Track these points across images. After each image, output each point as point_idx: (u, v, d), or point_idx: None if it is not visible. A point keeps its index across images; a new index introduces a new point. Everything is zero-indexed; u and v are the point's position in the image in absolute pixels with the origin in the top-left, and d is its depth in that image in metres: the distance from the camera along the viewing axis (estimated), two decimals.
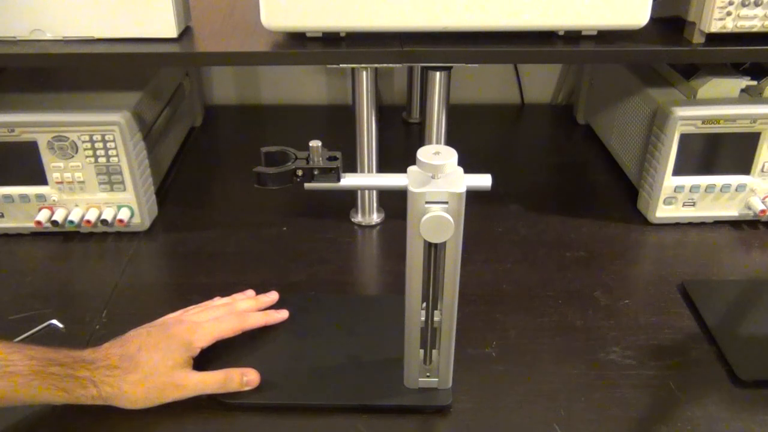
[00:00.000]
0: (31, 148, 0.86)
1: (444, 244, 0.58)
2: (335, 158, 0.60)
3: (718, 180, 0.91)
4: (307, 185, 0.61)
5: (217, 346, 0.70)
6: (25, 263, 0.87)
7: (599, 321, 0.77)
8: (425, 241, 0.57)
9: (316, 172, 0.60)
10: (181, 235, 0.93)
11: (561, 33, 0.82)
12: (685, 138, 0.88)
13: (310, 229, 0.94)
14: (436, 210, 0.55)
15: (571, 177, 1.09)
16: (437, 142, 0.90)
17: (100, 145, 0.86)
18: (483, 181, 0.59)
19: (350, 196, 0.97)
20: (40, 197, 0.89)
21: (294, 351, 0.72)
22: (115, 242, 0.91)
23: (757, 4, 0.78)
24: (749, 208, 0.93)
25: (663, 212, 0.94)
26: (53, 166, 0.87)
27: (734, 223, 0.95)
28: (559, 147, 1.21)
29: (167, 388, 0.63)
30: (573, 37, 0.82)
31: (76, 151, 0.87)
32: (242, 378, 0.66)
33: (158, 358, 0.64)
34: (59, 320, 0.76)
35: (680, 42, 0.83)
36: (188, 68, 1.16)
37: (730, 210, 0.94)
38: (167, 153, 1.06)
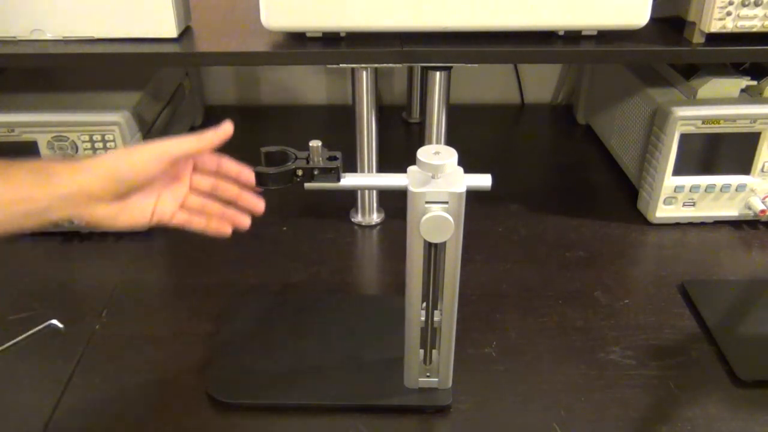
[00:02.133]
0: (31, 148, 0.86)
1: (444, 244, 0.58)
2: (335, 158, 0.60)
3: (718, 180, 0.91)
4: (307, 185, 0.61)
5: (215, 339, 0.70)
6: (25, 263, 0.87)
7: (599, 321, 0.77)
8: (425, 241, 0.57)
9: (316, 172, 0.60)
10: (181, 235, 0.92)
11: (561, 33, 0.82)
12: (685, 138, 0.88)
13: (310, 229, 0.94)
14: (436, 210, 0.55)
15: (571, 177, 1.09)
16: (437, 142, 0.90)
17: (100, 145, 0.86)
18: (483, 181, 0.59)
19: (350, 196, 0.97)
20: None
21: (294, 351, 0.72)
22: (115, 242, 0.91)
23: (757, 4, 0.78)
24: (749, 208, 0.93)
25: (663, 212, 0.94)
26: None
27: (734, 223, 0.95)
28: (559, 147, 1.21)
29: (120, 154, 0.58)
30: (573, 37, 0.82)
31: (76, 151, 0.87)
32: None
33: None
34: (59, 320, 0.76)
35: (680, 42, 0.83)
36: (188, 68, 1.16)
37: (730, 210, 0.94)
38: None
